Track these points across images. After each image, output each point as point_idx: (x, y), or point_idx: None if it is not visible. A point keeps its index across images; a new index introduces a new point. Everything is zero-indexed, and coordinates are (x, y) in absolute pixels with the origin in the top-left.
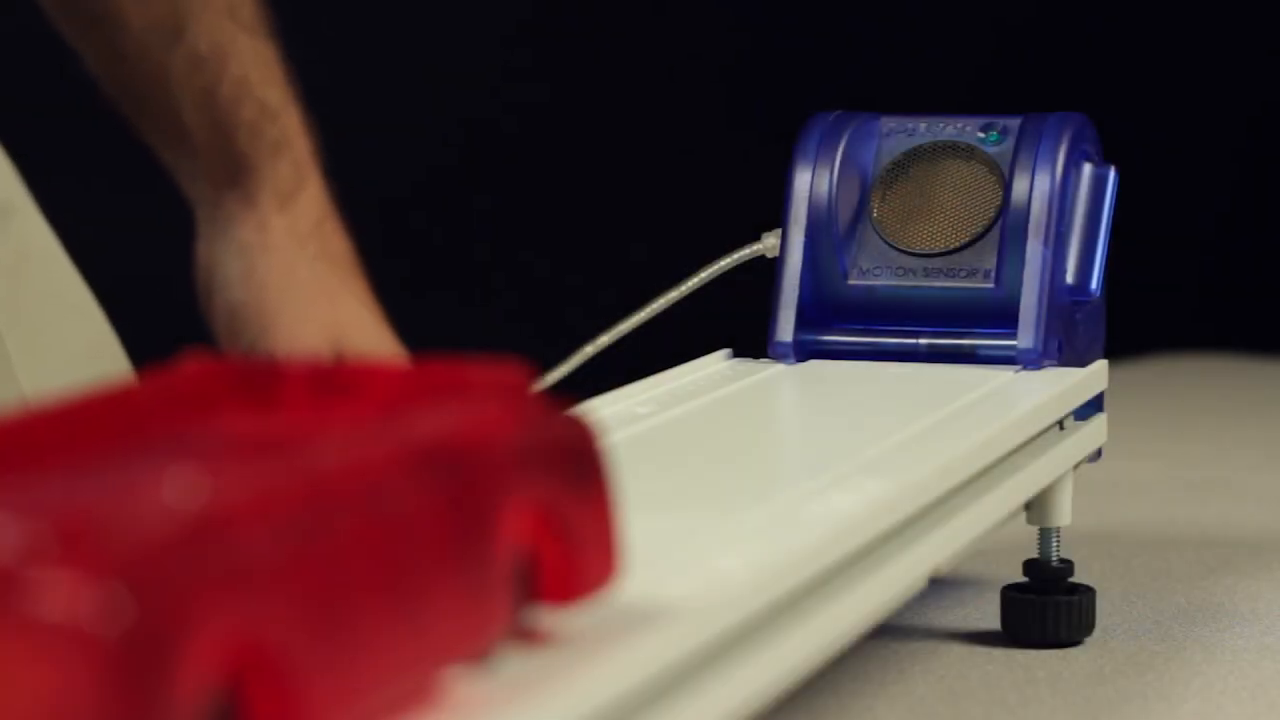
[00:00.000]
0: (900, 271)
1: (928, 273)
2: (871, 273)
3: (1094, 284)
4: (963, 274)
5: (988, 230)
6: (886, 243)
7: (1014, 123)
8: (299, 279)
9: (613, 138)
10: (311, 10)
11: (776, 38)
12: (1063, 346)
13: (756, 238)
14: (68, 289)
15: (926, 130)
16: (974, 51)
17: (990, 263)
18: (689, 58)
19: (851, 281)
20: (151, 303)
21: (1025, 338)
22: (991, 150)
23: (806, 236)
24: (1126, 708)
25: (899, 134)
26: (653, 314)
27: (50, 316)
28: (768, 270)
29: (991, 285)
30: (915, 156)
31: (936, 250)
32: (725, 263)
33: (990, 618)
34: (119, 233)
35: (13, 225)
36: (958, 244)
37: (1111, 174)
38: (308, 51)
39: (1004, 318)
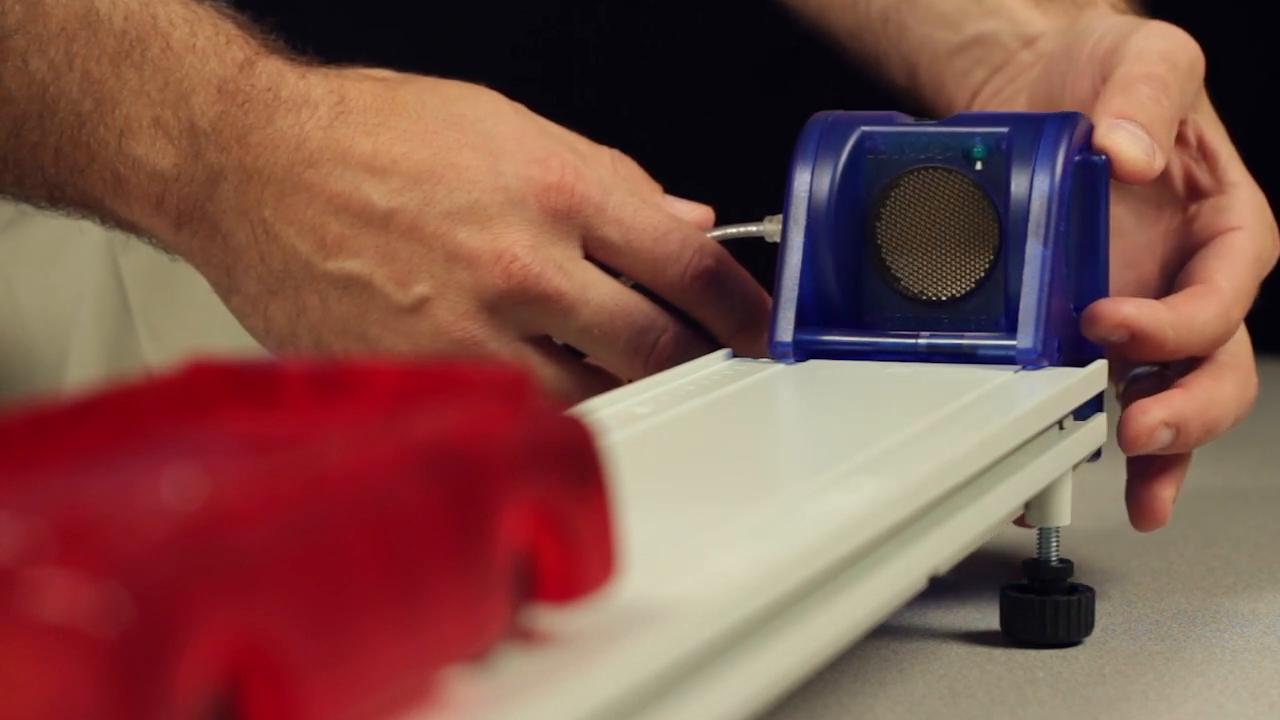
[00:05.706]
0: (908, 323)
1: (939, 323)
2: (878, 325)
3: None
4: (973, 327)
5: (991, 270)
6: (890, 289)
7: (1001, 129)
8: None
9: (612, 137)
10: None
11: (778, 35)
12: (1062, 346)
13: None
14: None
15: (912, 140)
16: None
17: (999, 308)
18: (689, 54)
19: (862, 327)
20: None
21: (1025, 337)
22: (981, 164)
23: (806, 237)
24: (1126, 707)
25: (888, 135)
26: None
27: (54, 252)
28: (768, 269)
29: (1003, 334)
30: (903, 184)
31: (943, 298)
32: (723, 232)
33: (990, 618)
34: None
35: None
36: (962, 291)
37: (1105, 162)
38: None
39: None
